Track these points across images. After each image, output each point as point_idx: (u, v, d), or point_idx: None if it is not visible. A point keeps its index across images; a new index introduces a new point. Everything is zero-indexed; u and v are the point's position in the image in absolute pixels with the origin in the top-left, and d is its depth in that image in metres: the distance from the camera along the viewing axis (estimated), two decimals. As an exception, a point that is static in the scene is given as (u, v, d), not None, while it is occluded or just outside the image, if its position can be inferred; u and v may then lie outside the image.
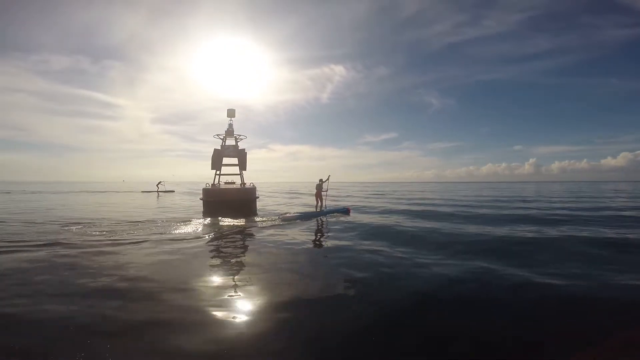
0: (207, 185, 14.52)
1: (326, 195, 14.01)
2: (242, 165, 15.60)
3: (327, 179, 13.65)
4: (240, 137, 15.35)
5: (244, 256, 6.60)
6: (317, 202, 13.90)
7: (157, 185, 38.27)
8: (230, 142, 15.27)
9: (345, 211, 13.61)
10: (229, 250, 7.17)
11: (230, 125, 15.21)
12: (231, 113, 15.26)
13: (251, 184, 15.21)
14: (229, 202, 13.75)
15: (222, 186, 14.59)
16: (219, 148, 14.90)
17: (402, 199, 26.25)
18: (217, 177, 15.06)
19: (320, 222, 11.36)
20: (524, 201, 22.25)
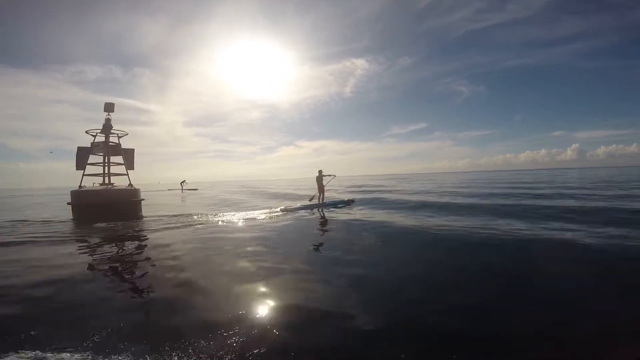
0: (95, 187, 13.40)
1: (325, 187, 14.36)
2: (128, 164, 14.24)
3: (329, 176, 14.24)
4: (116, 132, 13.82)
5: None
6: (318, 193, 14.07)
7: (180, 184, 42.18)
8: (113, 139, 13.83)
9: (348, 203, 14.16)
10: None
11: (108, 120, 13.73)
12: (109, 107, 13.73)
13: (130, 185, 13.75)
14: (101, 206, 12.38)
15: (94, 188, 13.22)
16: (88, 146, 13.50)
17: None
18: (101, 177, 13.78)
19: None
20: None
